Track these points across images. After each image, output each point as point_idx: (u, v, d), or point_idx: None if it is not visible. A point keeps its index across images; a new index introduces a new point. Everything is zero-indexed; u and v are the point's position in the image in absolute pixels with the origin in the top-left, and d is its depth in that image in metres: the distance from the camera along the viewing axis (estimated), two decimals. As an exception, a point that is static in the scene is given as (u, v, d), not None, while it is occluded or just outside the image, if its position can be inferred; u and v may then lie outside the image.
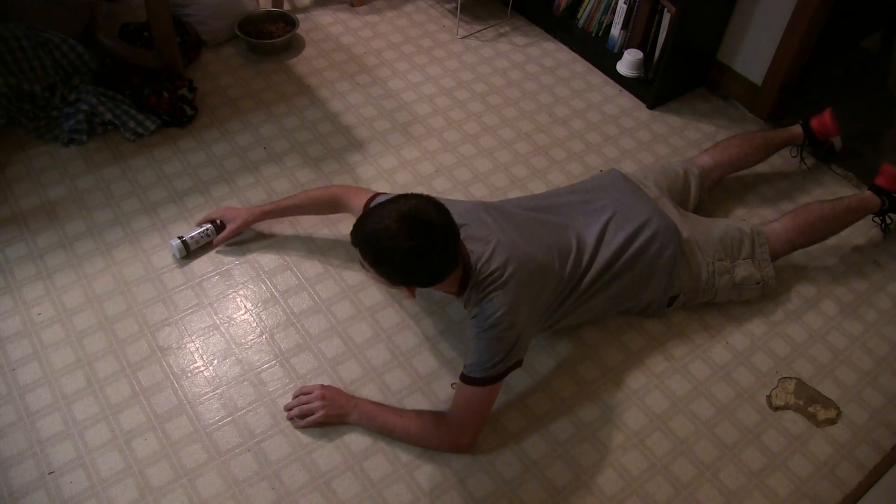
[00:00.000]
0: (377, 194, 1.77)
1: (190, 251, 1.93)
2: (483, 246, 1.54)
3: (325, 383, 1.71)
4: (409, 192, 1.49)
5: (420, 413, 1.66)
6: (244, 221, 1.94)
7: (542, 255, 1.60)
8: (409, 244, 1.38)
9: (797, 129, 2.23)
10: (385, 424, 1.63)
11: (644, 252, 1.72)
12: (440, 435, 1.61)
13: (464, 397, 1.56)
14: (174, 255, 1.92)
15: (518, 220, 1.66)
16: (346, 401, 1.65)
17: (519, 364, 1.57)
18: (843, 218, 1.99)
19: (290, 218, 2.07)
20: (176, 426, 1.63)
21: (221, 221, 1.97)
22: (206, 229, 1.95)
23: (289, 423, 1.65)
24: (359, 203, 1.76)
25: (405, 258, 1.39)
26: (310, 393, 1.67)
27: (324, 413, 1.63)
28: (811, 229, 1.95)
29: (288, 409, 1.67)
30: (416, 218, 1.40)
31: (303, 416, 1.64)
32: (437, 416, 1.63)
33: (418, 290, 1.57)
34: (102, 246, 1.97)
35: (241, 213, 1.95)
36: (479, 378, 1.52)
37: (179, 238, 1.91)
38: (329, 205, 1.90)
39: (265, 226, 2.05)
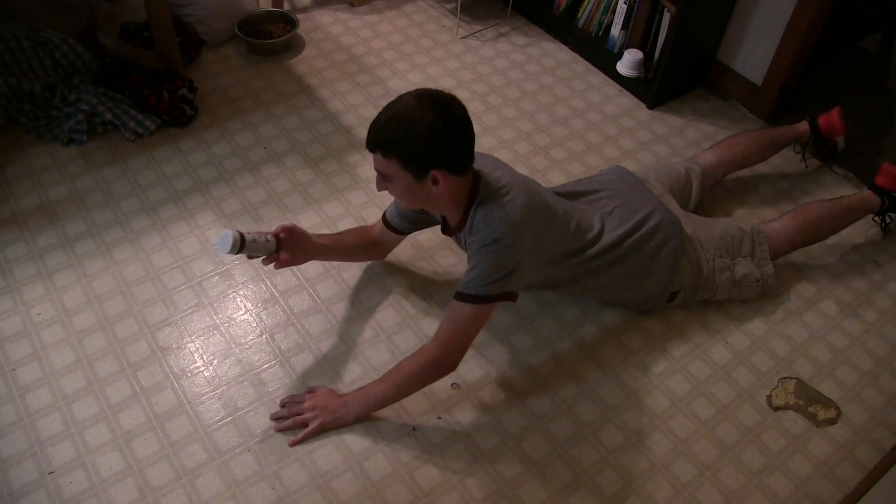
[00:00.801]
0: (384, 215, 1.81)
1: (240, 251, 1.53)
2: (492, 171, 1.55)
3: (312, 385, 1.70)
4: None
5: (398, 366, 1.60)
6: (307, 259, 1.72)
7: (551, 200, 1.62)
8: (432, 114, 1.38)
9: (804, 126, 2.23)
10: (378, 399, 1.61)
11: (648, 240, 1.74)
12: (424, 369, 1.57)
13: (454, 314, 1.53)
14: (221, 246, 1.51)
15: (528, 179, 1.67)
16: (337, 403, 1.64)
17: (514, 297, 1.53)
18: (843, 217, 1.99)
19: (290, 217, 2.07)
20: (176, 426, 1.63)
21: (281, 237, 1.63)
22: (268, 238, 1.58)
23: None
24: (377, 224, 1.84)
25: (432, 127, 1.37)
26: (300, 402, 1.65)
27: (319, 423, 1.62)
28: (811, 229, 1.95)
29: (276, 418, 1.65)
30: (433, 95, 1.41)
31: (295, 426, 1.63)
32: (414, 358, 1.58)
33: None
34: (102, 246, 1.97)
35: (307, 250, 1.69)
36: (473, 295, 1.50)
37: (238, 232, 1.53)
38: (363, 241, 1.86)
39: (266, 224, 2.05)
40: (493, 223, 1.47)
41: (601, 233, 1.71)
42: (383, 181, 1.48)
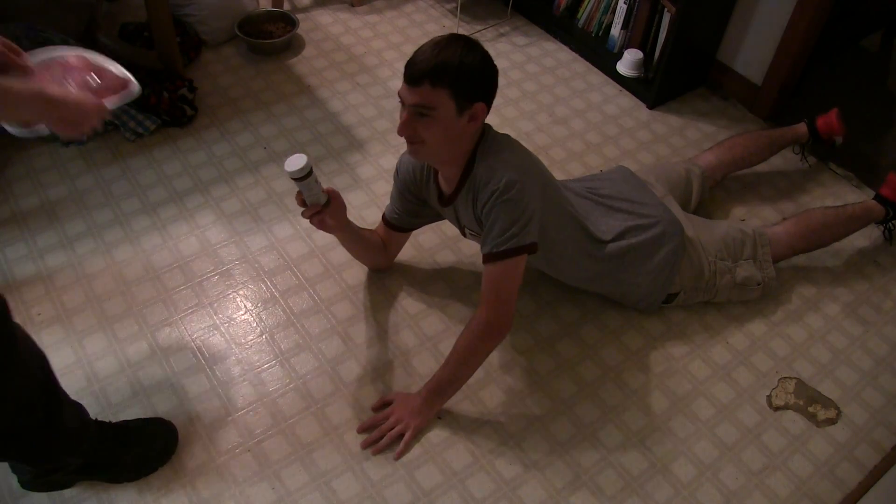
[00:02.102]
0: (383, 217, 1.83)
1: (305, 177, 1.51)
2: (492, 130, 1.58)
3: (390, 398, 1.68)
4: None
5: (455, 346, 1.61)
6: (338, 230, 1.73)
7: (550, 176, 1.65)
8: (480, 48, 1.42)
9: (802, 127, 2.23)
10: (450, 383, 1.63)
11: (648, 241, 1.75)
12: (480, 337, 1.58)
13: (489, 277, 1.54)
14: (291, 165, 1.48)
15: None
16: (417, 402, 1.64)
17: (534, 248, 1.53)
18: (846, 226, 1.99)
19: (290, 217, 2.07)
20: (176, 426, 1.63)
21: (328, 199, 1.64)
22: (324, 190, 1.60)
23: (289, 423, 1.65)
24: (378, 232, 1.85)
25: (484, 58, 1.42)
26: (385, 418, 1.64)
27: (413, 428, 1.62)
28: (813, 236, 1.95)
29: (369, 443, 1.62)
30: (451, 34, 1.44)
31: (391, 441, 1.62)
32: (468, 330, 1.59)
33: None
34: (102, 246, 1.97)
35: (341, 221, 1.71)
36: (501, 252, 1.49)
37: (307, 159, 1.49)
38: (378, 241, 1.86)
39: (265, 225, 2.05)
40: (500, 171, 1.47)
41: (604, 230, 1.73)
42: (416, 119, 1.43)
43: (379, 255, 1.89)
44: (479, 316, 1.57)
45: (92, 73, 1.44)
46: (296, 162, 1.47)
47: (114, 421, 1.55)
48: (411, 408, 1.63)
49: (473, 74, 1.41)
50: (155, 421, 1.60)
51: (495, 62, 1.46)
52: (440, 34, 1.46)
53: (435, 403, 1.65)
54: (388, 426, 1.63)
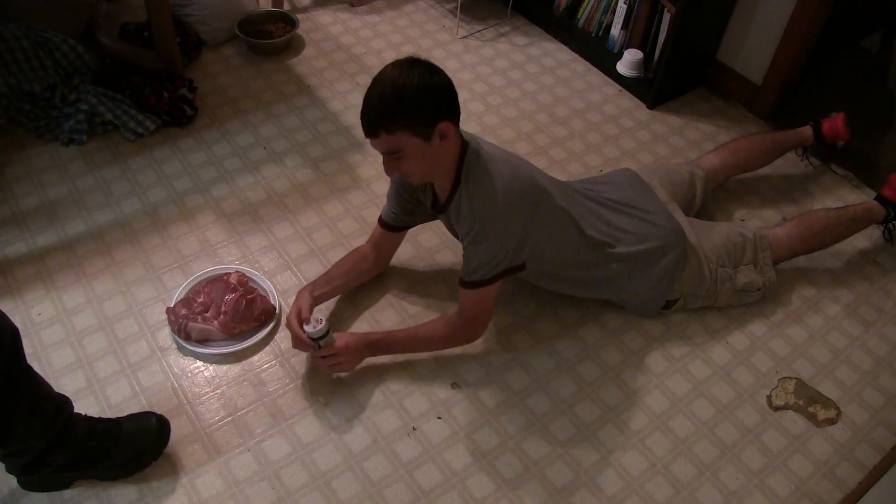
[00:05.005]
0: (379, 219, 1.82)
1: (322, 337, 1.62)
2: (477, 140, 1.57)
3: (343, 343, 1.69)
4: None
5: (425, 326, 1.73)
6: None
7: (546, 183, 1.63)
8: (417, 72, 1.38)
9: (807, 130, 2.22)
10: (397, 349, 1.75)
11: (651, 249, 1.74)
12: (448, 339, 1.72)
13: (464, 298, 1.62)
14: (318, 335, 1.60)
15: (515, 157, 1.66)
16: (361, 345, 1.69)
17: (521, 269, 1.61)
18: (848, 227, 1.98)
19: (290, 217, 2.07)
20: (176, 426, 1.63)
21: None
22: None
23: (289, 423, 1.65)
24: (374, 232, 1.84)
25: (423, 82, 1.37)
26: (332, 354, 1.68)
27: (349, 369, 1.72)
28: (814, 237, 1.95)
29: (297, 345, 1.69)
30: (405, 59, 1.41)
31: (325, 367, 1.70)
32: (442, 323, 1.70)
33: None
34: (102, 246, 1.97)
35: (306, 306, 1.70)
36: (474, 281, 1.57)
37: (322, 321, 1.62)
38: (363, 259, 1.84)
39: (265, 224, 2.05)
40: (478, 208, 1.50)
41: (605, 237, 1.71)
42: (394, 161, 1.45)
43: (365, 274, 1.88)
44: (454, 319, 1.67)
45: (246, 298, 1.78)
46: (321, 329, 1.60)
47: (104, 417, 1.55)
48: (351, 346, 1.67)
49: (419, 102, 1.38)
50: (145, 415, 1.58)
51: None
52: (425, 56, 1.44)
53: (373, 353, 1.73)
54: (329, 358, 1.66)
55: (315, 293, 1.73)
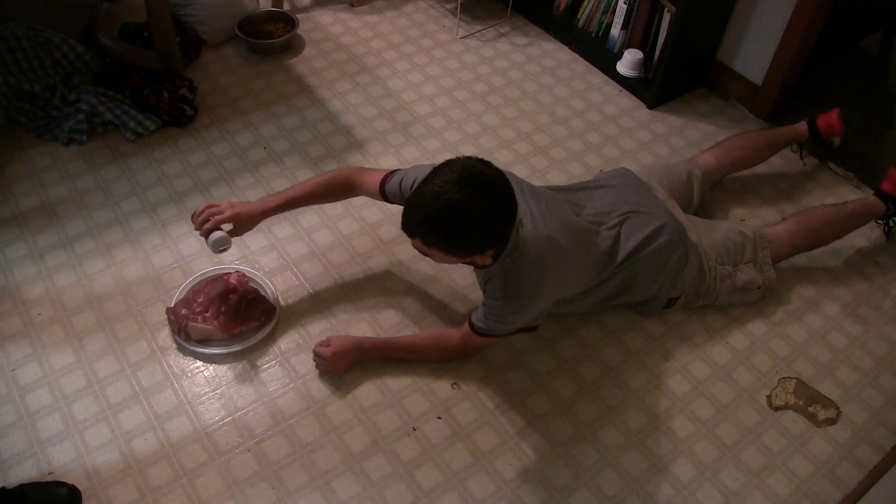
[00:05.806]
0: (391, 172, 1.69)
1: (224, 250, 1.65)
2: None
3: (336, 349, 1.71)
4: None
5: (423, 339, 1.77)
6: (254, 225, 1.71)
7: (573, 222, 1.65)
8: (477, 205, 1.28)
9: (802, 126, 2.23)
10: (392, 356, 1.76)
11: (657, 251, 1.73)
12: (443, 353, 1.75)
13: (467, 335, 1.67)
14: (216, 245, 1.62)
15: (545, 197, 1.64)
16: (357, 355, 1.73)
17: (532, 329, 1.68)
18: (847, 223, 1.99)
19: (290, 217, 2.07)
20: (176, 426, 1.63)
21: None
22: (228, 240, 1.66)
23: (289, 423, 1.66)
24: (372, 181, 1.70)
25: (479, 220, 1.30)
26: (327, 346, 1.71)
27: (338, 371, 1.73)
28: (814, 234, 1.95)
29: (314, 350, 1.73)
30: (474, 177, 1.30)
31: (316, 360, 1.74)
32: (438, 337, 1.76)
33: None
34: (102, 246, 1.97)
35: (252, 219, 1.69)
36: (480, 328, 1.62)
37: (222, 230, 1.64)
38: (340, 188, 1.75)
39: (265, 223, 2.05)
40: (510, 290, 1.51)
41: (616, 246, 1.71)
42: (423, 252, 1.43)
43: (336, 199, 1.85)
44: (454, 344, 1.72)
45: (247, 297, 1.79)
46: (222, 243, 1.63)
47: (9, 487, 1.46)
48: (341, 351, 1.69)
49: (464, 242, 1.34)
50: (55, 485, 1.47)
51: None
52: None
53: (365, 358, 1.75)
54: (321, 351, 1.69)
55: (268, 214, 1.71)
